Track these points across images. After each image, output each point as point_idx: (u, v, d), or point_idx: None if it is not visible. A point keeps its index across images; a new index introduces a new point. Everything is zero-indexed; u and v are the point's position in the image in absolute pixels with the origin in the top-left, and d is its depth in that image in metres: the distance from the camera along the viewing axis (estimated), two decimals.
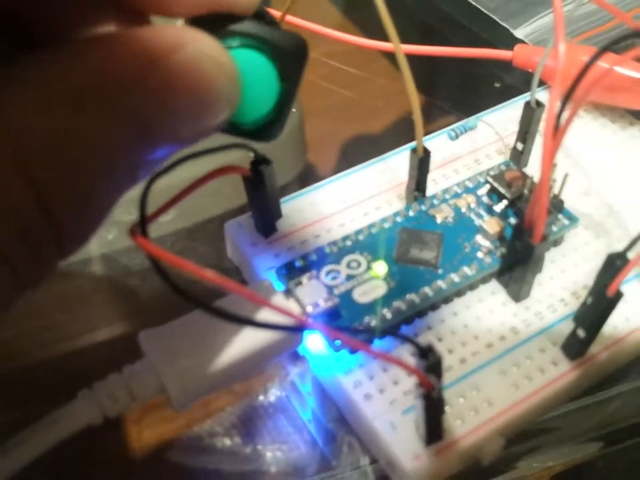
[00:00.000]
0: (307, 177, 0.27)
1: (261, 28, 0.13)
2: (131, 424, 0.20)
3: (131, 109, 0.11)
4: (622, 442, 0.20)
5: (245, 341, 0.17)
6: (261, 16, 0.14)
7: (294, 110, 0.28)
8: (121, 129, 0.11)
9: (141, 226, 0.14)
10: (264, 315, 0.16)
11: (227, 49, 0.13)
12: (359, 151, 0.25)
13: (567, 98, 0.16)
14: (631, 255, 0.17)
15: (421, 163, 0.20)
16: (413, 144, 0.20)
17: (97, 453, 0.20)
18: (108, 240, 0.24)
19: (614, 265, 0.17)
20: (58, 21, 0.13)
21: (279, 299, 0.18)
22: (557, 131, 0.16)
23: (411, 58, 0.27)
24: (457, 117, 0.28)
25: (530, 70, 0.26)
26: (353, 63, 0.32)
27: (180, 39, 0.12)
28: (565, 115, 0.16)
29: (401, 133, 0.29)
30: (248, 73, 0.13)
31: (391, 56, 0.30)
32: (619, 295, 0.17)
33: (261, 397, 0.21)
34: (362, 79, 0.32)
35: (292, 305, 0.18)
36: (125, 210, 0.23)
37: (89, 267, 0.24)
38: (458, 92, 0.31)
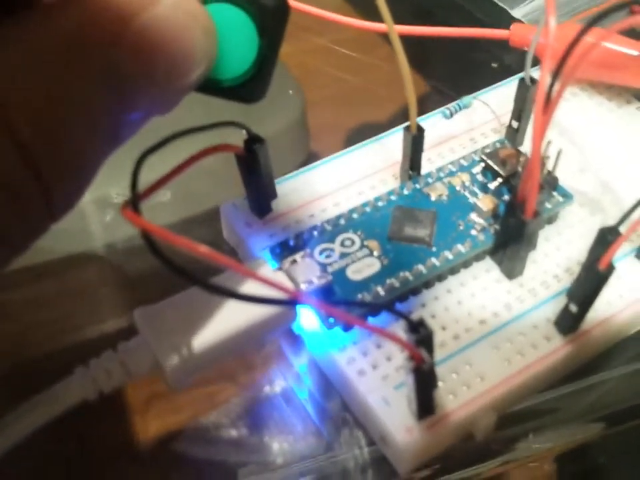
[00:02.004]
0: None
1: None
2: (137, 415, 0.21)
3: (110, 67, 0.11)
4: (624, 423, 0.20)
5: (239, 317, 0.17)
6: None
7: (296, 96, 0.28)
8: (101, 87, 0.12)
9: (133, 202, 0.14)
10: (258, 290, 0.16)
11: (203, 3, 0.13)
12: (362, 138, 0.25)
13: (556, 73, 0.16)
14: (622, 229, 0.17)
15: (415, 141, 0.20)
16: (408, 123, 0.21)
17: (103, 444, 0.20)
18: (109, 224, 0.25)
19: (606, 240, 0.17)
20: None
21: (272, 276, 0.18)
22: (548, 106, 0.16)
23: (409, 39, 0.27)
24: (454, 99, 0.28)
25: (527, 49, 0.26)
26: (358, 49, 0.32)
27: None
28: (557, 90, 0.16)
29: (405, 120, 0.29)
30: (226, 27, 0.13)
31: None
32: (610, 269, 0.17)
33: (267, 388, 0.21)
34: (366, 66, 0.32)
35: (286, 283, 0.18)
36: (123, 192, 0.24)
37: (94, 257, 0.24)
38: (455, 73, 0.31)
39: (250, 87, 0.14)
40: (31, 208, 0.12)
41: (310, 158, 0.27)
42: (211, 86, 0.14)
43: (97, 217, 0.25)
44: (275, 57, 0.14)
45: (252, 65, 0.14)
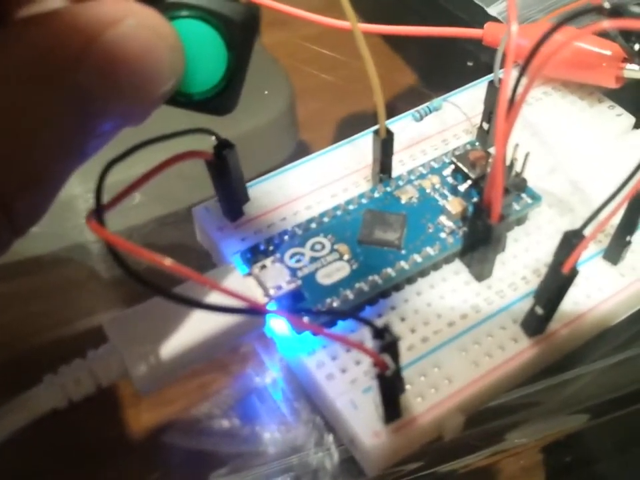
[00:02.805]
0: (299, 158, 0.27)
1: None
2: (129, 407, 0.21)
3: (74, 85, 0.12)
4: (607, 414, 0.20)
5: (208, 324, 0.17)
6: None
7: (284, 87, 0.28)
8: (65, 105, 0.12)
9: (97, 213, 0.14)
10: (224, 299, 0.17)
11: (170, 19, 0.13)
12: (352, 129, 0.25)
13: (520, 75, 0.17)
14: (589, 231, 0.17)
15: (384, 145, 0.21)
16: (377, 126, 0.21)
17: (96, 437, 0.20)
18: None
19: (570, 243, 0.17)
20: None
21: (241, 283, 0.18)
22: (511, 110, 0.16)
23: (385, 37, 0.27)
24: (431, 97, 0.28)
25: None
26: (341, 45, 0.32)
27: (119, 13, 0.12)
28: (529, 94, 0.16)
29: (391, 113, 0.29)
30: (194, 41, 0.14)
31: (373, 36, 0.30)
32: (574, 273, 0.17)
33: (258, 378, 0.21)
34: (348, 63, 0.32)
35: (255, 288, 0.18)
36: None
37: (84, 252, 0.25)
38: (431, 71, 0.31)
39: (220, 99, 0.15)
40: None
41: (299, 148, 0.27)
42: (181, 99, 0.14)
43: (85, 213, 0.25)
44: (245, 70, 0.15)
45: (221, 79, 0.14)
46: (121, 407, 0.21)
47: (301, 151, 0.27)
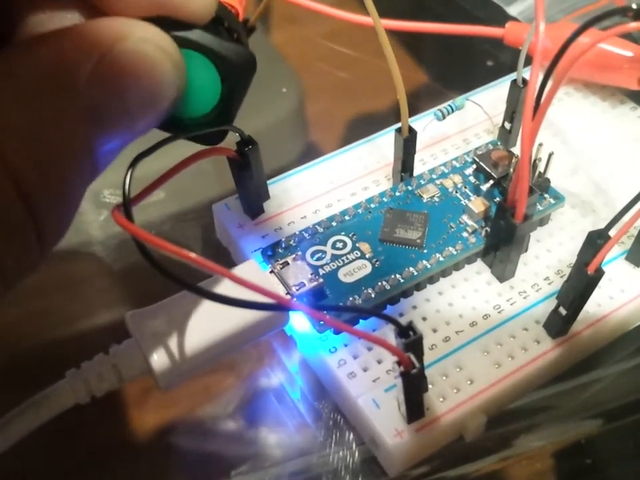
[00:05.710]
0: (309, 158, 0.27)
1: (207, 37, 0.14)
2: (133, 408, 0.21)
3: (86, 100, 0.12)
4: (621, 419, 0.20)
5: (231, 321, 0.17)
6: (219, 20, 0.14)
7: (294, 87, 0.28)
8: (77, 119, 0.12)
9: (124, 207, 0.14)
10: (248, 295, 0.17)
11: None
12: (359, 129, 0.25)
13: (547, 76, 0.16)
14: (613, 232, 0.17)
15: (407, 143, 0.20)
16: (399, 124, 0.21)
17: (100, 438, 0.20)
18: (103, 223, 0.25)
19: (595, 243, 0.17)
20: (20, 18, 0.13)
21: (263, 279, 0.18)
22: (537, 110, 0.16)
23: (403, 35, 0.27)
24: (449, 96, 0.28)
25: (520, 48, 0.26)
26: (353, 43, 0.32)
27: (126, 28, 0.12)
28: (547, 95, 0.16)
29: (410, 113, 0.29)
30: (193, 70, 0.14)
31: (391, 34, 0.30)
32: (599, 273, 0.17)
33: (264, 380, 0.21)
34: (360, 60, 0.32)
35: (277, 286, 0.18)
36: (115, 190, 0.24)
37: (89, 249, 0.25)
38: (450, 71, 0.31)
39: (209, 129, 0.15)
40: (24, 242, 0.12)
41: (308, 148, 0.27)
42: (173, 123, 0.14)
43: (91, 215, 0.25)
44: (237, 107, 0.15)
45: (214, 109, 0.14)
46: (125, 408, 0.21)
47: (311, 151, 0.27)
